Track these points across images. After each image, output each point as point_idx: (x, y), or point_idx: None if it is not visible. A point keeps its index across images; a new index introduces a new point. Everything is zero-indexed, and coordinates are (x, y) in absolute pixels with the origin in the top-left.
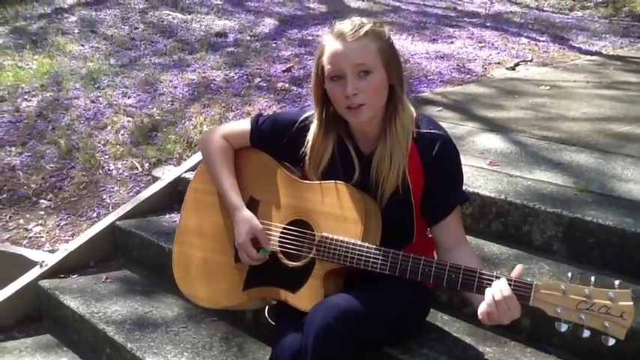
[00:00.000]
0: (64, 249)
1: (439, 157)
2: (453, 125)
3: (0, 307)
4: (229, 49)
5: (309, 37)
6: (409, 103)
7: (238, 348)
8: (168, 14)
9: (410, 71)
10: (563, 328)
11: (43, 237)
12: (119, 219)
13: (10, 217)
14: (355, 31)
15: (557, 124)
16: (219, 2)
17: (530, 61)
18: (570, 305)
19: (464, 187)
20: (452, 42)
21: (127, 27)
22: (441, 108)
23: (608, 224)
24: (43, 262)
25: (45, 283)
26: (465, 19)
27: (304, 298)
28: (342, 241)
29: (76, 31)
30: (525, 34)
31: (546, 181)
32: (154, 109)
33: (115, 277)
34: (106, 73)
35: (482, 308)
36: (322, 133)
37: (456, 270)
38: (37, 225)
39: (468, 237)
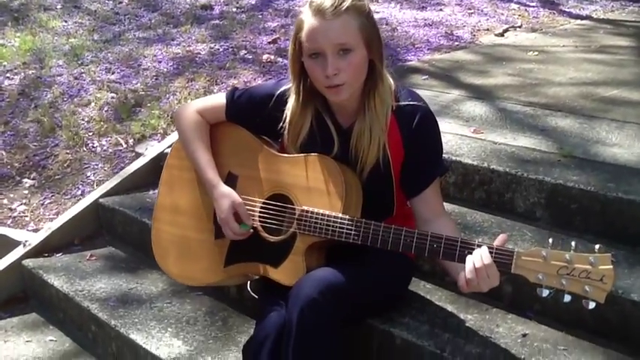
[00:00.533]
0: (48, 228)
1: (419, 129)
2: (438, 93)
3: None
4: (215, 22)
5: (296, 8)
6: (389, 76)
7: (223, 322)
8: None
9: (397, 40)
10: (545, 293)
11: (27, 216)
12: (102, 196)
13: None
14: (335, 8)
15: (543, 90)
16: None
17: (520, 26)
18: (551, 271)
19: (447, 156)
20: (440, 9)
21: (110, 1)
22: (426, 76)
23: (590, 189)
24: (26, 241)
25: (29, 263)
26: None
27: (286, 273)
28: (323, 215)
29: (58, 6)
30: (515, 0)
31: (530, 147)
32: (138, 84)
33: (99, 255)
34: (90, 49)
35: (462, 275)
36: (300, 106)
37: (438, 239)
38: (21, 204)
39: (451, 205)
